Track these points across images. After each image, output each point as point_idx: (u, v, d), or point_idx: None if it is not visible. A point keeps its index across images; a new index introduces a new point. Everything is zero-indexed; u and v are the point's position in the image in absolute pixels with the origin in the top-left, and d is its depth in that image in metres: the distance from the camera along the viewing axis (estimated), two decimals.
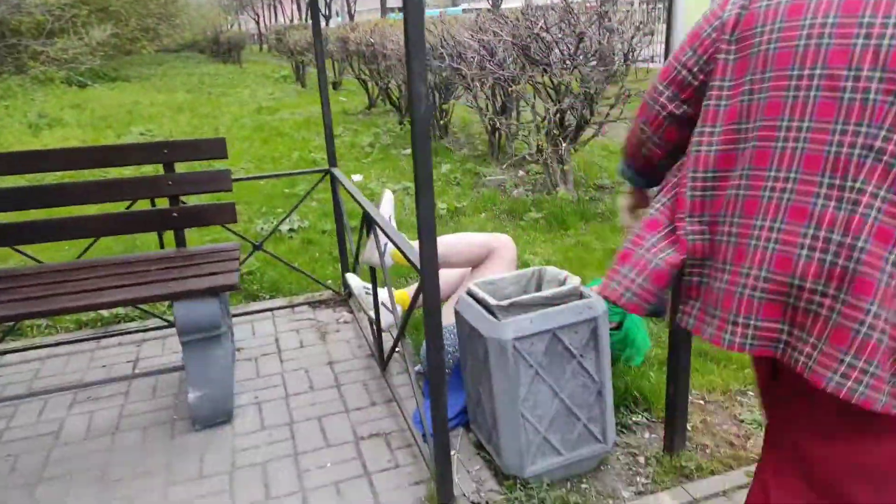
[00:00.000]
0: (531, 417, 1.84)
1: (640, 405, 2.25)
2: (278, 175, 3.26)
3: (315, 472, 1.96)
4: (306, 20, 28.62)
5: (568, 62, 4.36)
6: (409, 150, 6.84)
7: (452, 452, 2.03)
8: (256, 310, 3.14)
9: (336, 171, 2.96)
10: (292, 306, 3.18)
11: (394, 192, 5.41)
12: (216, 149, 2.47)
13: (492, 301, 1.86)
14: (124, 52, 17.12)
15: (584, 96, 4.52)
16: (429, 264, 1.56)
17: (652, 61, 6.12)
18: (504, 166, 5.44)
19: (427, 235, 1.53)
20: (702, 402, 2.28)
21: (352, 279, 2.85)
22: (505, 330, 1.78)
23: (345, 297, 3.22)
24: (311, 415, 2.27)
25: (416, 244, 2.54)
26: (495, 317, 1.85)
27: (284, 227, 4.35)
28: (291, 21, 28.40)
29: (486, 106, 6.33)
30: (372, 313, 2.47)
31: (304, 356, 2.69)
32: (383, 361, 2.47)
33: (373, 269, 2.40)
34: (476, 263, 2.31)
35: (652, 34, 4.86)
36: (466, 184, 5.46)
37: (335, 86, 12.86)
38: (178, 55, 21.06)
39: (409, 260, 1.75)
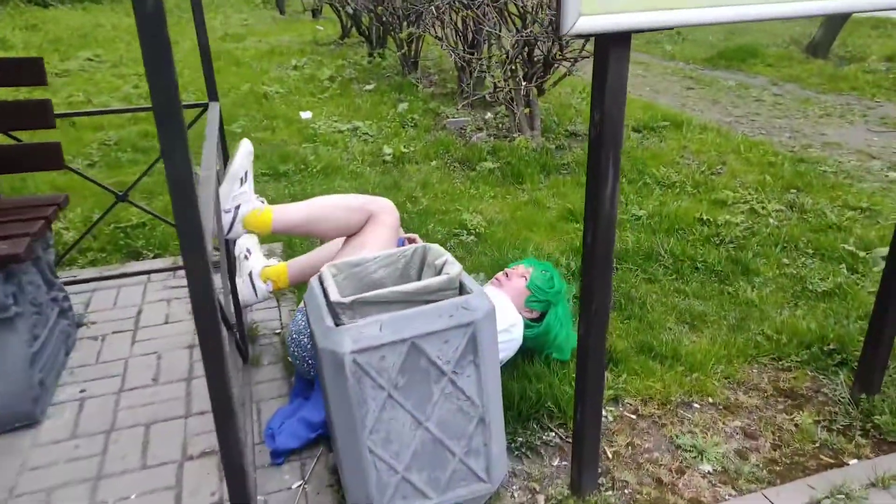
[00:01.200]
0: (384, 454, 1.36)
1: (554, 419, 1.77)
2: (130, 110, 2.67)
3: None
4: None
5: None
6: (370, 87, 6.18)
7: (297, 484, 1.57)
8: (131, 272, 2.63)
9: (215, 107, 2.39)
10: (174, 269, 2.67)
11: (340, 132, 4.82)
12: (29, 72, 1.91)
13: (333, 295, 1.36)
14: None
15: (552, 25, 3.86)
16: (190, 240, 1.03)
17: None
18: (459, 107, 4.82)
19: (180, 199, 1.01)
20: (633, 416, 1.80)
21: (243, 239, 2.32)
22: (341, 340, 1.28)
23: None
24: (140, 419, 1.80)
25: (292, 206, 2.01)
26: (337, 318, 1.35)
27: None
28: None
29: (454, 38, 5.63)
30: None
31: (164, 336, 2.20)
32: (244, 350, 1.99)
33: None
34: (351, 232, 1.79)
35: None
36: (424, 126, 4.85)
37: (315, 13, 11.93)
38: None
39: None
